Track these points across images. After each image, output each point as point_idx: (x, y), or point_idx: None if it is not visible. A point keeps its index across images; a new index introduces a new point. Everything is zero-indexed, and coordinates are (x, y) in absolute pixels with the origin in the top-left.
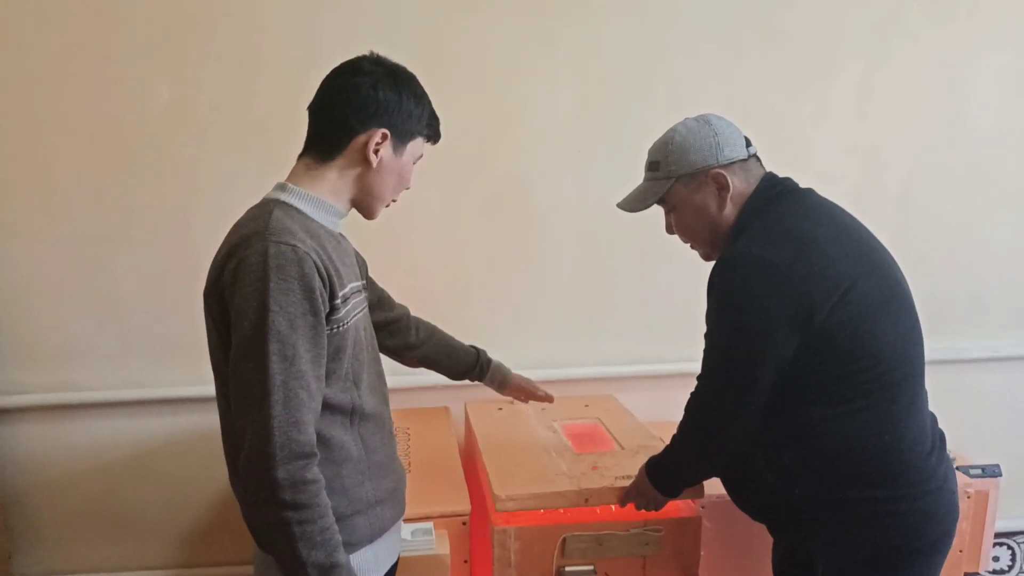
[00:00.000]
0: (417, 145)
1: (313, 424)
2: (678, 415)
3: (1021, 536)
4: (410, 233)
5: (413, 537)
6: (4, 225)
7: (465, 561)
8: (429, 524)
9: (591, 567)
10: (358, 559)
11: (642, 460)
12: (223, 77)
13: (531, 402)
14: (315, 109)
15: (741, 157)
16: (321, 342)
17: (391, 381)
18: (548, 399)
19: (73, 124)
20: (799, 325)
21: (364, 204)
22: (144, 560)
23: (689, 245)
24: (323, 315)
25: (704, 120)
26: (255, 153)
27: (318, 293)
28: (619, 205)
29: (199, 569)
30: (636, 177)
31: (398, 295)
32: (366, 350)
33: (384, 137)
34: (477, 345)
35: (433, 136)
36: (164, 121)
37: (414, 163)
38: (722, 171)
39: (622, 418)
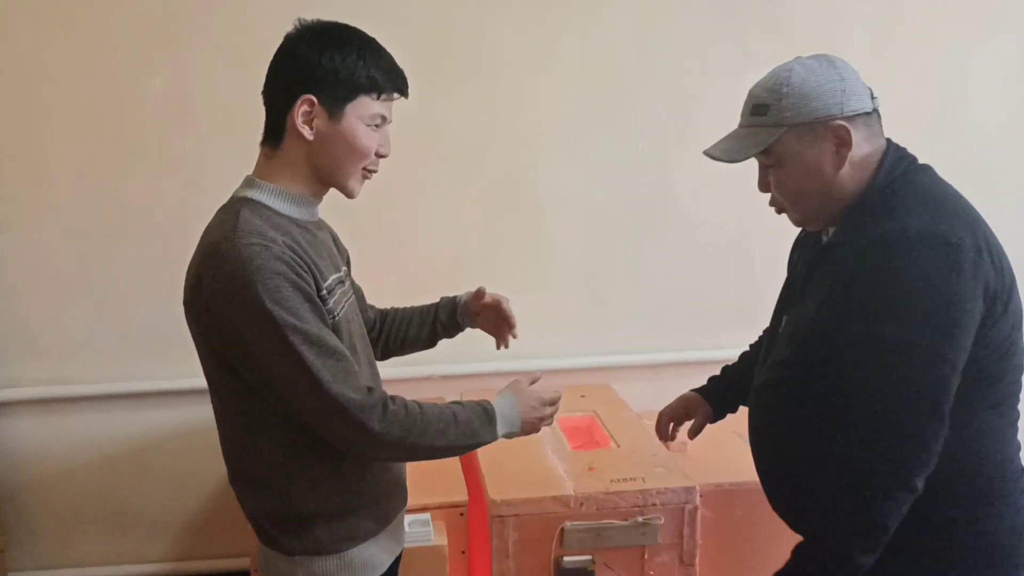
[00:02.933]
0: (362, 105)
1: (362, 375)
2: None
3: None
4: (410, 223)
5: (410, 528)
6: (1, 219)
7: (463, 552)
8: (426, 515)
9: (589, 557)
10: (363, 552)
11: (637, 460)
12: (222, 69)
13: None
14: (262, 94)
15: (866, 110)
16: (328, 321)
17: (386, 372)
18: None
19: (71, 117)
20: (982, 319)
21: (330, 182)
22: (141, 554)
23: (776, 209)
24: (319, 302)
25: (827, 60)
26: (254, 147)
27: (304, 283)
28: (709, 152)
29: (196, 562)
30: (638, 169)
31: (398, 285)
32: (359, 338)
33: (311, 105)
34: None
35: (382, 89)
36: (163, 114)
37: (375, 125)
38: (845, 124)
39: (618, 411)
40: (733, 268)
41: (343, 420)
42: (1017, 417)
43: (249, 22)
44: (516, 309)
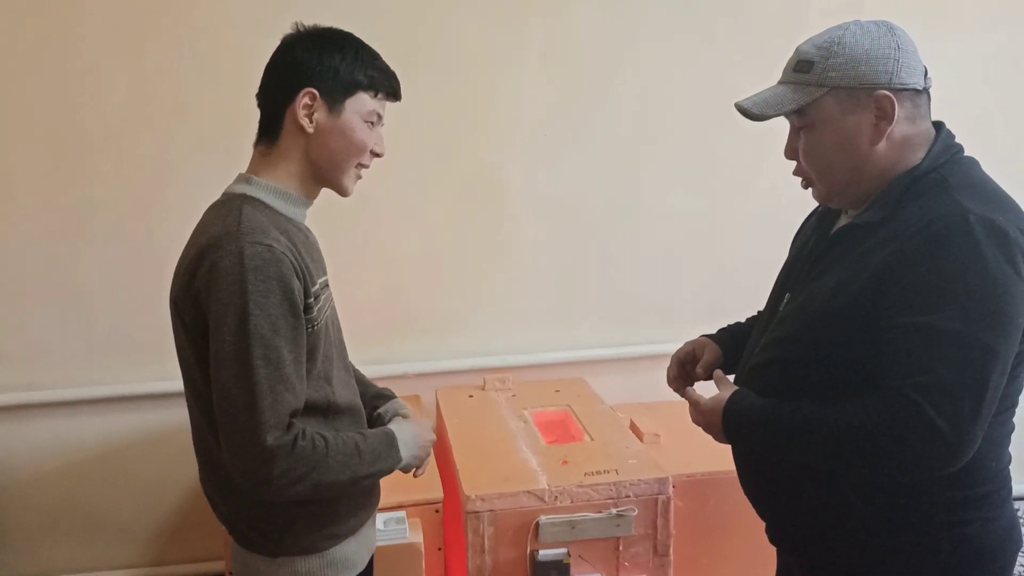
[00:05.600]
0: (361, 101)
1: (336, 380)
2: (646, 397)
3: None
4: (379, 223)
5: (386, 527)
6: None
7: (439, 548)
8: (402, 513)
9: (565, 550)
10: (344, 550)
11: (611, 453)
12: (190, 69)
13: (502, 389)
14: (257, 95)
15: (916, 87)
16: (302, 342)
17: (360, 371)
18: None
19: (34, 117)
20: None
21: (327, 180)
22: (113, 560)
23: (802, 182)
24: (302, 315)
25: (887, 27)
26: (222, 148)
27: (296, 293)
28: (740, 105)
29: (168, 567)
30: (606, 164)
31: (372, 286)
32: (334, 345)
33: (312, 98)
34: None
35: (378, 88)
36: (128, 114)
37: (371, 123)
38: (891, 96)
39: (592, 404)
40: (701, 262)
41: (255, 448)
42: (1012, 429)
43: (218, 23)
44: (489, 305)
